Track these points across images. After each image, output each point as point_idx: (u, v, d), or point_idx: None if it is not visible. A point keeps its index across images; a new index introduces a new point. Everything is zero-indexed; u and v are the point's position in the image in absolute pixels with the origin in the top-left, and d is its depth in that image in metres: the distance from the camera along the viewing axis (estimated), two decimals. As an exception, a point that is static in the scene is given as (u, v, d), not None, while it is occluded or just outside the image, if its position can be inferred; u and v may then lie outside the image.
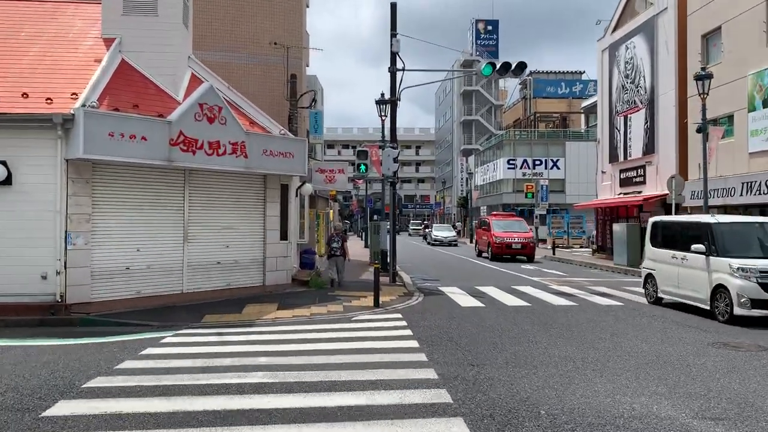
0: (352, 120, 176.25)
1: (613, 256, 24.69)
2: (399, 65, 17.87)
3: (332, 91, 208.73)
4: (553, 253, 31.16)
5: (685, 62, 23.67)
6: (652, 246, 14.52)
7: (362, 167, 17.80)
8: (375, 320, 11.62)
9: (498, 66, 17.30)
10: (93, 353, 8.71)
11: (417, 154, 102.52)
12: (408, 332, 10.26)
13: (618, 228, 24.25)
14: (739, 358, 8.48)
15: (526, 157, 50.94)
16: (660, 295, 13.93)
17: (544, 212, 41.84)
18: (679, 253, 13.11)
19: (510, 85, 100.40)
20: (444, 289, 16.74)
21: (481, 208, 58.65)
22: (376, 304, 13.35)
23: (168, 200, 13.67)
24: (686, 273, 12.85)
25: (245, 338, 9.89)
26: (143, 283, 13.15)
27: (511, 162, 50.98)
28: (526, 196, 43.06)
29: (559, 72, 73.23)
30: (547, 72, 72.51)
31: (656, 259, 14.26)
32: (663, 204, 25.04)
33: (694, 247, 12.29)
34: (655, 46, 25.73)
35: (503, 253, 28.56)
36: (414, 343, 9.28)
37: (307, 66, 26.89)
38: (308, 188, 17.58)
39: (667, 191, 24.42)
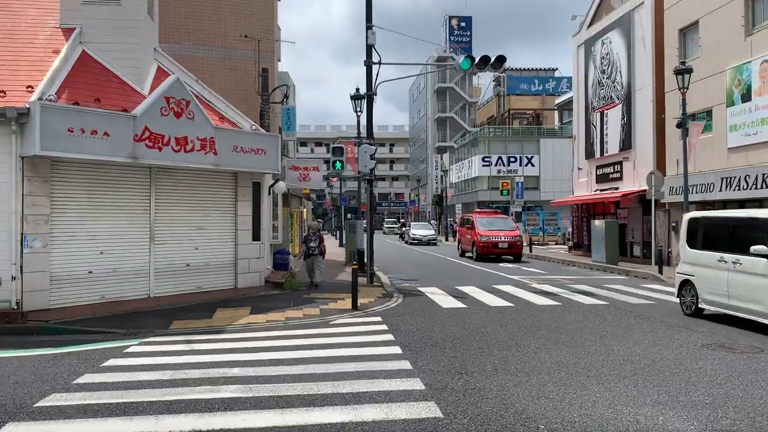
0: (325, 117, 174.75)
1: (591, 253, 24.46)
2: (375, 59, 17.32)
3: (304, 89, 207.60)
4: (530, 251, 30.91)
5: (662, 57, 23.50)
6: (690, 247, 12.21)
7: (338, 164, 17.24)
8: (354, 324, 11.07)
9: (477, 60, 16.88)
10: (50, 366, 8.02)
11: (391, 151, 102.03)
12: (389, 337, 9.73)
13: (596, 224, 24.02)
14: (737, 361, 8.10)
15: (501, 155, 50.76)
16: (701, 305, 11.71)
17: (520, 209, 41.68)
18: (730, 256, 10.80)
19: (483, 82, 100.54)
20: (424, 289, 16.25)
21: (457, 205, 58.43)
22: (355, 306, 12.80)
23: (133, 200, 12.95)
24: (740, 280, 10.54)
25: (216, 346, 9.27)
26: (107, 288, 12.42)
27: (486, 159, 50.76)
28: (501, 194, 42.81)
29: (532, 69, 73.38)
30: (520, 69, 72.59)
31: (695, 262, 11.93)
32: (641, 200, 24.89)
33: (754, 248, 10.04)
34: (631, 41, 25.55)
35: (489, 253, 26.95)
36: (397, 349, 8.75)
37: (279, 61, 26.23)
38: (281, 186, 16.95)
39: (645, 187, 24.28)
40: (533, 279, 18.81)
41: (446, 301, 13.85)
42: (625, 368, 7.67)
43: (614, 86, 27.10)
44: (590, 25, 29.68)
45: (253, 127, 15.21)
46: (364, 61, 17.45)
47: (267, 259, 17.05)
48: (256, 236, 15.29)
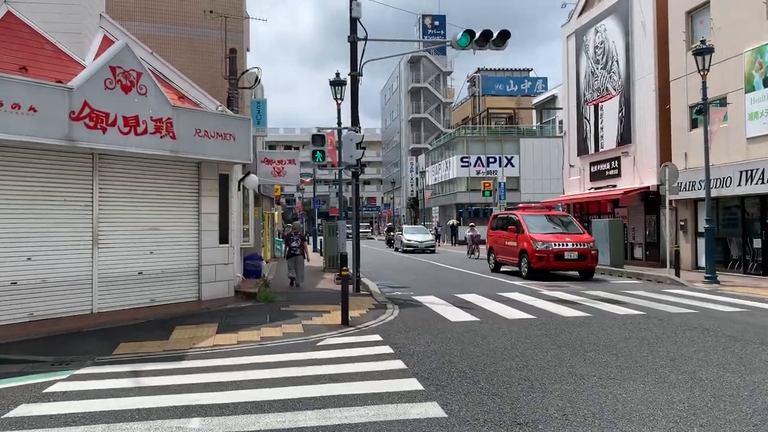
0: (294, 124, 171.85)
1: (594, 255, 22.49)
2: (361, 34, 15.07)
3: (272, 95, 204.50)
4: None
5: (665, 43, 21.74)
6: None
7: (318, 155, 14.91)
8: (349, 346, 8.77)
9: (477, 35, 14.68)
10: (-74, 420, 5.59)
11: (362, 155, 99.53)
12: (399, 364, 7.48)
13: (598, 225, 22.10)
14: None
15: (480, 155, 48.88)
16: None
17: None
18: None
19: (457, 83, 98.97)
20: (420, 299, 14.02)
21: (433, 208, 56.46)
22: (345, 321, 10.52)
23: (71, 193, 10.49)
24: None
25: (171, 381, 6.90)
26: (37, 303, 9.95)
27: (464, 160, 48.82)
28: (483, 194, 40.91)
29: (507, 69, 71.92)
30: (494, 69, 71.03)
31: None
32: (643, 198, 23.09)
33: None
34: (629, 27, 23.77)
35: (550, 267, 18.61)
36: (415, 384, 6.51)
37: (248, 50, 23.89)
38: (254, 180, 14.59)
39: (647, 183, 22.51)
40: (540, 285, 16.71)
41: (452, 313, 11.64)
42: (743, 408, 5.54)
43: (610, 77, 25.29)
44: (581, 13, 27.90)
45: (220, 108, 12.86)
46: (348, 37, 15.20)
47: (237, 266, 14.67)
48: (224, 238, 12.91)
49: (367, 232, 68.24)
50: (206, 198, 12.51)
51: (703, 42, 16.58)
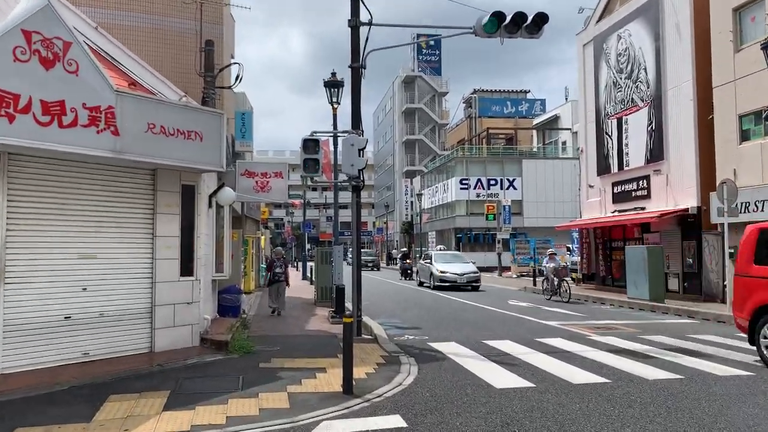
0: (284, 147, 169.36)
1: (627, 287, 19.55)
2: (365, 18, 12.23)
3: (262, 120, 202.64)
4: (534, 284, 25.90)
5: (706, 46, 19.07)
6: None
7: (311, 164, 11.93)
8: (358, 439, 5.74)
9: (507, 20, 11.82)
10: None
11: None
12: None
13: (634, 252, 19.20)
14: None
15: (480, 177, 46.12)
16: None
17: (507, 236, 36.89)
18: None
19: (452, 104, 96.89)
20: (438, 346, 10.98)
21: (429, 233, 53.54)
22: (348, 389, 7.47)
23: (-38, 207, 7.49)
24: None
25: None
26: None
27: (463, 182, 46.03)
28: (486, 218, 38.03)
29: (504, 91, 69.80)
30: (491, 91, 68.91)
31: None
32: (680, 222, 20.26)
33: None
34: (660, 30, 21.15)
35: None
36: None
37: (233, 58, 21.10)
38: (229, 195, 11.59)
39: (682, 206, 19.74)
40: (582, 327, 13.71)
41: (490, 372, 8.62)
42: None
43: (636, 87, 22.62)
44: (600, 19, 25.31)
45: (183, 98, 9.90)
46: (349, 21, 12.34)
47: (207, 304, 11.60)
48: (187, 269, 9.88)
49: (374, 259, 52.83)
50: (163, 216, 9.51)
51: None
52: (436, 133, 70.14)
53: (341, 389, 7.49)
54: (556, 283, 20.77)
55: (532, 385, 7.81)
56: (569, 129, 47.62)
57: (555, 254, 22.14)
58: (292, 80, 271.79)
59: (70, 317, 8.42)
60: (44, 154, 7.97)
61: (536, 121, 55.16)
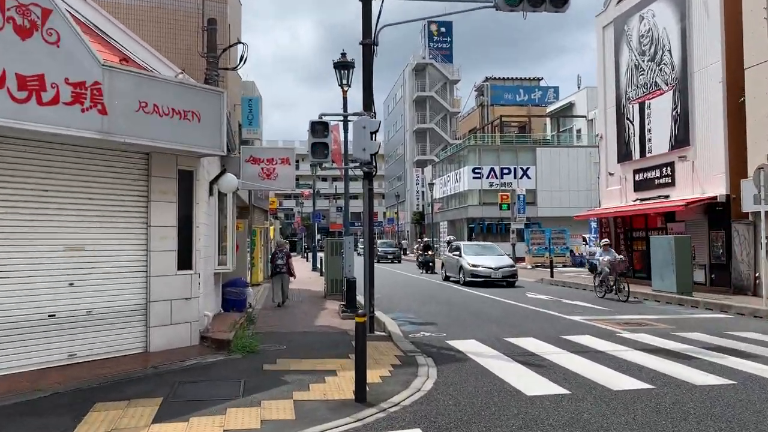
0: (294, 137, 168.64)
1: (651, 279, 18.62)
2: (376, -10, 11.34)
3: (273, 111, 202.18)
4: (551, 275, 25.00)
5: (737, 25, 18.01)
6: None
7: (319, 149, 11.09)
8: (374, 462, 4.93)
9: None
10: None
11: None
12: None
13: (660, 243, 18.27)
14: None
15: (494, 166, 45.09)
16: None
17: (522, 226, 35.94)
18: None
19: (464, 93, 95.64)
20: (459, 345, 10.14)
21: (441, 223, 52.64)
22: (361, 397, 6.67)
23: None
24: None
25: None
26: None
27: (476, 171, 45.01)
28: (500, 208, 36.99)
29: (516, 78, 68.54)
30: (503, 78, 67.66)
31: None
32: (707, 210, 19.29)
33: None
34: (686, 10, 20.10)
35: None
36: None
37: (239, 39, 20.25)
38: (231, 182, 10.77)
39: (710, 194, 18.78)
40: (607, 321, 12.84)
41: (517, 376, 7.79)
42: None
43: (660, 69, 21.59)
44: (621, -1, 24.27)
45: (180, 76, 9.08)
46: (359, -7, 11.48)
47: (210, 298, 10.82)
48: (185, 262, 9.10)
49: (394, 251, 48.23)
50: (158, 204, 8.72)
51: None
52: (448, 122, 69.04)
53: (353, 396, 6.69)
54: (611, 279, 17.83)
55: (567, 391, 6.97)
56: (584, 116, 46.52)
57: (610, 245, 19.71)
58: (302, 72, 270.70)
59: (54, 315, 7.66)
60: (23, 135, 7.19)
61: (550, 108, 53.99)
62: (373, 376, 7.53)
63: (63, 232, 7.78)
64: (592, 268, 20.54)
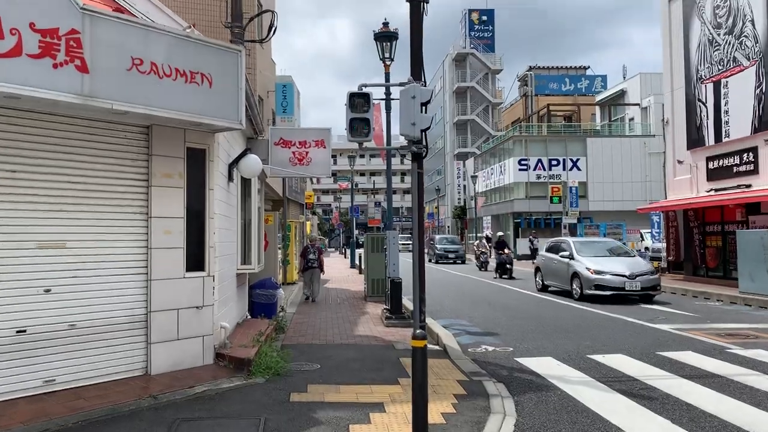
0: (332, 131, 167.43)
1: (739, 279, 16.32)
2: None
3: (311, 108, 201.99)
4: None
5: (838, -15, 15.63)
6: None
7: (357, 127, 9.26)
8: None
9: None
10: None
11: (402, 162, 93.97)
12: None
13: (748, 237, 15.97)
14: None
15: (541, 157, 42.71)
16: None
17: (575, 221, 33.59)
18: None
19: (506, 84, 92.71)
20: (532, 365, 8.21)
21: (485, 218, 50.44)
22: (422, 450, 4.83)
23: None
24: None
25: None
26: None
27: (522, 162, 42.67)
28: (551, 201, 34.72)
29: (562, 67, 65.68)
30: (548, 67, 64.87)
31: None
32: (801, 201, 16.90)
33: None
34: (773, -27, 17.70)
35: None
36: None
37: (267, 10, 18.66)
38: (253, 164, 8.99)
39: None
40: (703, 332, 10.73)
41: (623, 413, 5.86)
42: None
43: (740, 43, 19.18)
44: (691, -33, 21.84)
45: (187, 30, 7.31)
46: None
47: (227, 307, 9.10)
48: (197, 262, 7.36)
49: (457, 249, 39.88)
50: (161, 190, 7.00)
51: None
52: (489, 113, 66.55)
53: (409, 448, 4.86)
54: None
55: (706, 443, 5.02)
56: (638, 104, 43.82)
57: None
58: (339, 68, 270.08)
59: (25, 331, 6.00)
60: (-23, 97, 5.54)
61: (599, 97, 51.27)
62: (432, 413, 5.69)
63: (36, 224, 6.12)
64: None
